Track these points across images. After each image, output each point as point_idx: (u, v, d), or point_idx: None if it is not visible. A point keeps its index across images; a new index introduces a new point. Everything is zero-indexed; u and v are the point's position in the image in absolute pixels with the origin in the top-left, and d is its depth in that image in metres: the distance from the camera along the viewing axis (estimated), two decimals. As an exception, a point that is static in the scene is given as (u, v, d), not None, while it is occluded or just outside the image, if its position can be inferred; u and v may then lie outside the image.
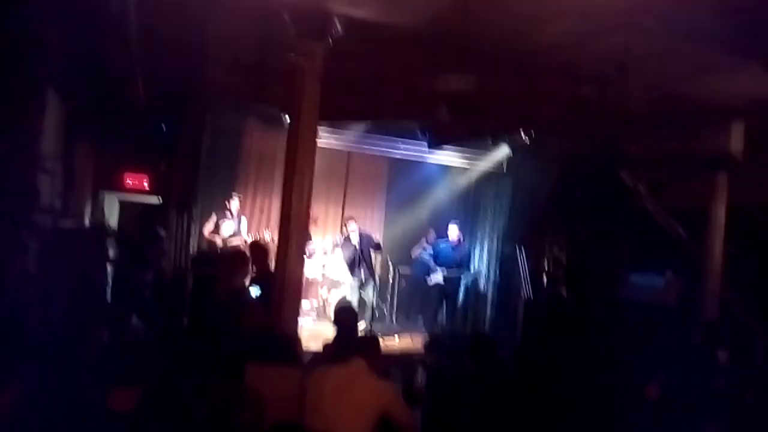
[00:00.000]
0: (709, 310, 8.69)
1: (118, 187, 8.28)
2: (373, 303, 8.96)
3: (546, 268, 9.74)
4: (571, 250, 9.74)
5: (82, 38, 5.52)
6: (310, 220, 9.11)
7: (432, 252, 9.31)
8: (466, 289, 9.56)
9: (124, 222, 8.36)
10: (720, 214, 8.79)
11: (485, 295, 9.88)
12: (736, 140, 8.49)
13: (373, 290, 9.03)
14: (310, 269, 8.79)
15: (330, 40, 5.31)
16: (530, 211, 9.49)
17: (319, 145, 6.82)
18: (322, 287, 9.31)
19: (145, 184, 8.40)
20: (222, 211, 8.45)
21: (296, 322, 5.66)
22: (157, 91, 6.66)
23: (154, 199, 8.23)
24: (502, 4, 5.72)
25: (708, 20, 5.81)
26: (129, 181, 8.37)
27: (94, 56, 5.93)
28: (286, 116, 7.95)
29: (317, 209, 9.06)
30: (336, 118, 7.05)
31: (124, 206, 8.59)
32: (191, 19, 6.11)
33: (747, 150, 8.32)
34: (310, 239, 8.59)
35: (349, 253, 8.75)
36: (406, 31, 5.86)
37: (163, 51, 6.23)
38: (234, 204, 8.52)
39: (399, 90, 6.74)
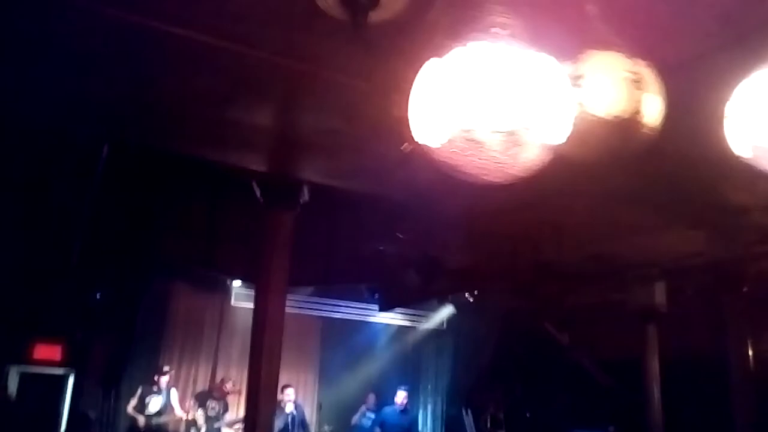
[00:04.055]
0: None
1: (27, 359, 7.38)
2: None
3: (488, 427, 9.49)
4: (509, 408, 9.60)
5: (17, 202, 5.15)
6: (233, 391, 8.51)
7: (377, 419, 8.84)
8: (416, 456, 9.05)
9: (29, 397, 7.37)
10: (654, 365, 9.06)
11: (434, 462, 9.39)
12: (660, 294, 9.01)
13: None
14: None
15: (299, 209, 5.24)
16: (472, 370, 9.37)
17: (246, 306, 6.40)
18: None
19: (57, 356, 7.57)
20: (149, 384, 7.68)
21: None
22: (94, 255, 6.21)
23: (61, 371, 7.41)
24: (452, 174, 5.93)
25: (640, 186, 6.29)
26: (39, 352, 7.51)
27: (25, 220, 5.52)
28: (233, 282, 7.69)
29: (243, 374, 8.49)
30: (291, 284, 6.81)
31: (27, 379, 7.60)
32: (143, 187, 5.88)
33: (672, 303, 8.82)
34: (227, 410, 8.03)
35: (281, 422, 8.15)
36: (360, 196, 5.90)
37: (106, 216, 5.90)
38: (163, 376, 7.79)
39: (353, 254, 6.68)
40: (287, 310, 8.79)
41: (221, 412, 8.04)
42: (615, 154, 2.30)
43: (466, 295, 8.44)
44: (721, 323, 8.28)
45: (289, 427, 8.16)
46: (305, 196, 5.26)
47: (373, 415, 8.98)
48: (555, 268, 8.48)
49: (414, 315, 9.56)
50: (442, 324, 9.64)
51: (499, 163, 1.97)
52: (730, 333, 8.24)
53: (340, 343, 9.79)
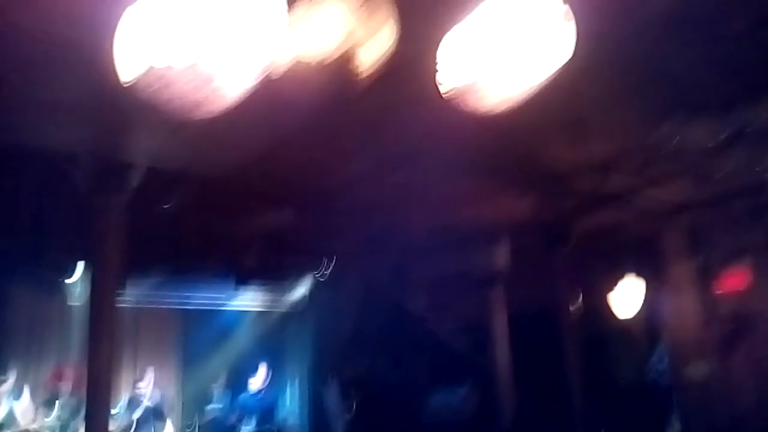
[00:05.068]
0: (506, 418, 9.33)
1: None
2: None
3: (351, 399, 9.72)
4: (371, 378, 9.90)
5: None
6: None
7: (234, 407, 8.78)
8: (279, 437, 9.09)
9: None
10: (500, 325, 9.72)
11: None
12: (501, 258, 9.66)
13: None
14: None
15: (129, 192, 5.07)
16: (334, 344, 9.55)
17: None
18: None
19: None
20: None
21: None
22: None
23: None
24: (286, 151, 5.90)
25: (472, 155, 6.66)
26: None
27: None
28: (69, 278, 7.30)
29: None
30: (134, 272, 6.59)
31: None
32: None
33: (514, 265, 9.47)
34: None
35: (138, 413, 7.99)
36: (210, 179, 5.81)
37: None
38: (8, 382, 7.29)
39: (203, 237, 6.57)
40: (141, 303, 8.58)
41: (76, 410, 7.52)
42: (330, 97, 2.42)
43: (322, 271, 8.61)
44: (554, 281, 8.97)
45: (142, 419, 7.98)
46: (135, 177, 5.10)
47: (222, 404, 8.93)
48: (401, 239, 8.85)
49: (273, 295, 9.58)
50: (302, 301, 9.71)
51: (188, 99, 2.04)
52: (560, 289, 8.97)
53: (201, 333, 9.59)
